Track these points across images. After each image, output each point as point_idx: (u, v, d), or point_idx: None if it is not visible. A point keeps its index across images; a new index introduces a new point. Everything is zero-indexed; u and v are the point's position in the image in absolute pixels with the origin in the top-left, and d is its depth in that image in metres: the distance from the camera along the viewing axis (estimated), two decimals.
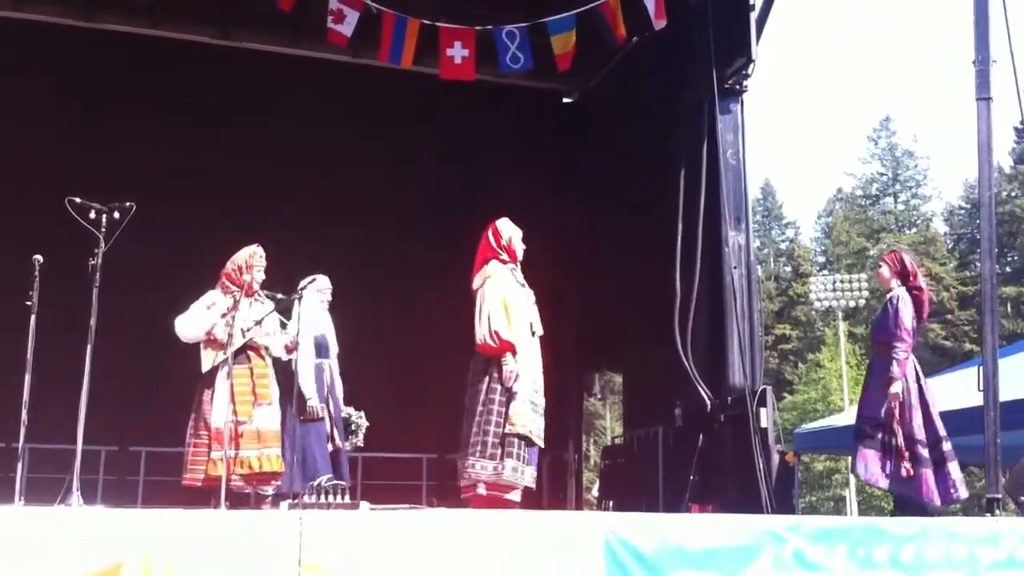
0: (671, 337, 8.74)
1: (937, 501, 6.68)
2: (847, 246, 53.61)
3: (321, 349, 6.92)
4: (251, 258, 6.63)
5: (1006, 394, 6.77)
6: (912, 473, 6.57)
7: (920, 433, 6.71)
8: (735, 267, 8.54)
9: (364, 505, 5.39)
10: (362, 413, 7.37)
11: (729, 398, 8.35)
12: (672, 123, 9.40)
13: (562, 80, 11.44)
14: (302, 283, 6.53)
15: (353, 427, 7.16)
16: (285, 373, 6.44)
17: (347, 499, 5.26)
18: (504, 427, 6.14)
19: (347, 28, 8.15)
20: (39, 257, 5.46)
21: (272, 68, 10.53)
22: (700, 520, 5.69)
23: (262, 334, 6.52)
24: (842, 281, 36.95)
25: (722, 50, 8.80)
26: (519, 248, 6.57)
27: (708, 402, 8.50)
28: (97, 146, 9.82)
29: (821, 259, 56.30)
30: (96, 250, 5.48)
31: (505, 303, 6.24)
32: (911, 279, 6.98)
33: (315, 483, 5.40)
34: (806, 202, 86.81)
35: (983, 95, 6.72)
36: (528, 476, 6.20)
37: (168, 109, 10.25)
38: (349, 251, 10.45)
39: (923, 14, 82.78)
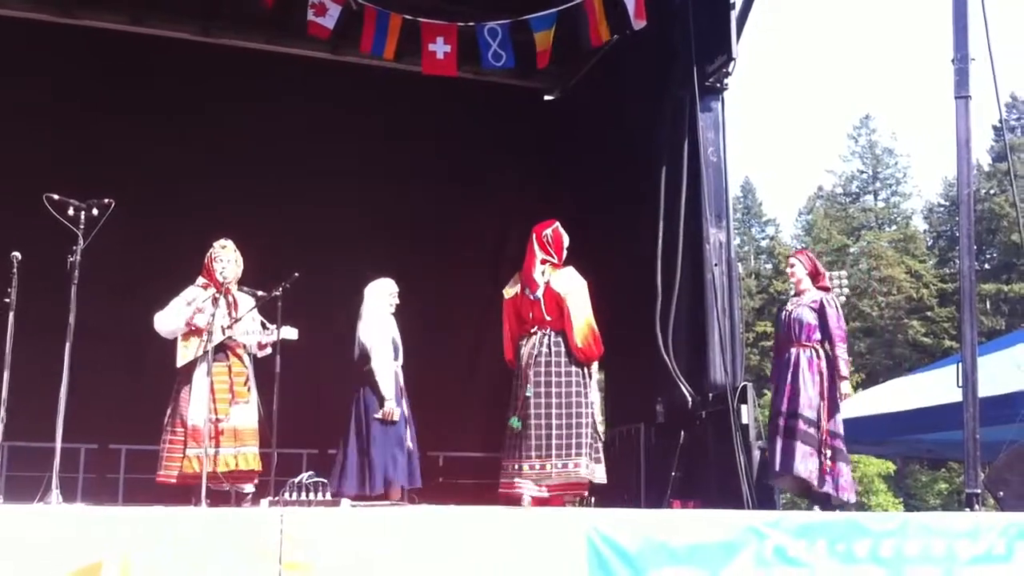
0: (652, 334, 8.75)
1: (853, 497, 6.84)
2: (828, 243, 53.78)
3: (395, 352, 7.00)
4: (212, 251, 6.63)
5: (985, 390, 6.83)
6: (833, 469, 6.70)
7: (841, 429, 6.87)
8: (716, 264, 8.56)
9: (345, 502, 5.39)
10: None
11: (710, 395, 8.37)
12: (653, 121, 9.40)
13: (544, 78, 11.44)
14: (379, 288, 7.06)
15: None
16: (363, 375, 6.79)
17: (328, 496, 5.26)
18: (597, 431, 6.71)
19: (329, 21, 8.13)
20: (17, 254, 5.45)
21: (254, 66, 10.46)
22: (682, 516, 5.71)
23: (241, 332, 6.50)
24: None
25: (703, 48, 8.81)
26: (565, 251, 6.98)
27: (689, 399, 8.52)
28: (76, 143, 9.73)
29: None
30: (75, 247, 5.45)
31: (590, 310, 6.72)
32: (821, 279, 7.22)
33: (296, 480, 5.39)
34: (786, 200, 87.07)
35: (962, 93, 6.77)
36: None
37: (149, 106, 10.17)
38: (334, 250, 10.41)
39: (903, 13, 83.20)
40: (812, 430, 6.74)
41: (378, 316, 7.02)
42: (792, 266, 7.30)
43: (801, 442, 6.73)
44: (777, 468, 6.86)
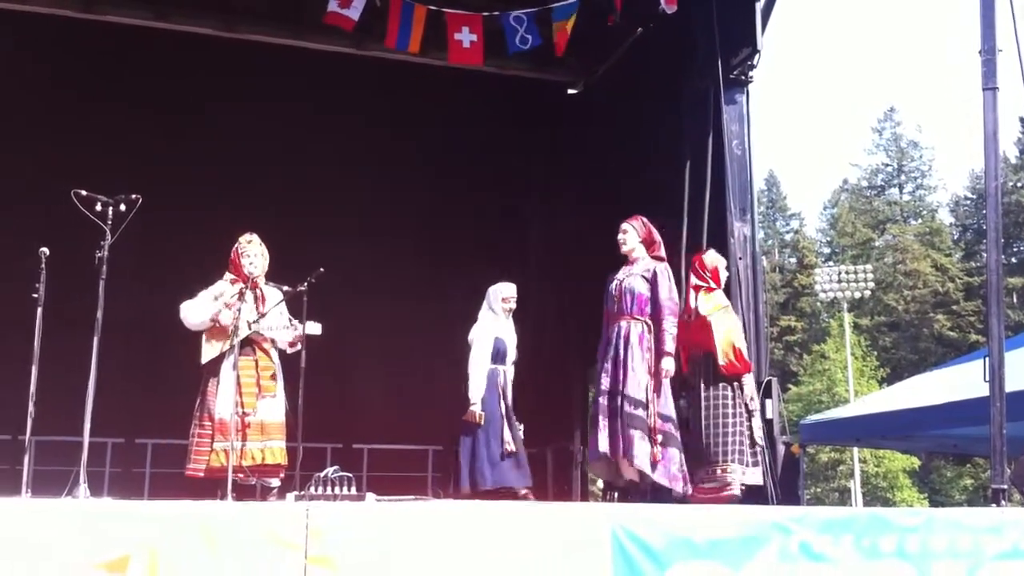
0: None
1: (679, 488, 6.49)
2: (852, 237, 53.58)
3: (498, 355, 7.22)
4: (238, 246, 6.65)
5: (1012, 385, 6.74)
6: (664, 455, 6.42)
7: (671, 411, 6.59)
8: (740, 258, 8.52)
9: (370, 496, 5.40)
10: (521, 426, 7.63)
11: None
12: (677, 114, 9.37)
13: (567, 71, 11.41)
14: (492, 291, 7.38)
15: None
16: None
17: (354, 491, 5.27)
18: (754, 437, 6.96)
19: (354, 13, 8.13)
20: (45, 250, 5.47)
21: (276, 60, 10.49)
22: (706, 512, 5.69)
23: (267, 327, 6.52)
24: (847, 272, 36.93)
25: (727, 40, 8.77)
26: (723, 276, 7.36)
27: None
28: (103, 139, 9.81)
29: (826, 250, 56.31)
30: (102, 242, 5.49)
31: (736, 328, 7.10)
32: (655, 248, 6.90)
33: (322, 474, 5.41)
34: (811, 193, 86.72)
35: (989, 85, 6.68)
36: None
37: (171, 101, 10.23)
38: (356, 245, 10.47)
39: (928, 4, 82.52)
40: (640, 412, 6.40)
41: (480, 318, 7.39)
42: (624, 232, 6.91)
43: (629, 426, 6.37)
44: (602, 451, 6.50)
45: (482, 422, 6.98)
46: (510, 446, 7.05)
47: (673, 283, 6.73)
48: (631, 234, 6.92)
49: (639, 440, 6.40)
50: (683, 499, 6.52)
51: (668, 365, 6.51)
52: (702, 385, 6.97)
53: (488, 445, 6.99)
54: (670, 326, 6.55)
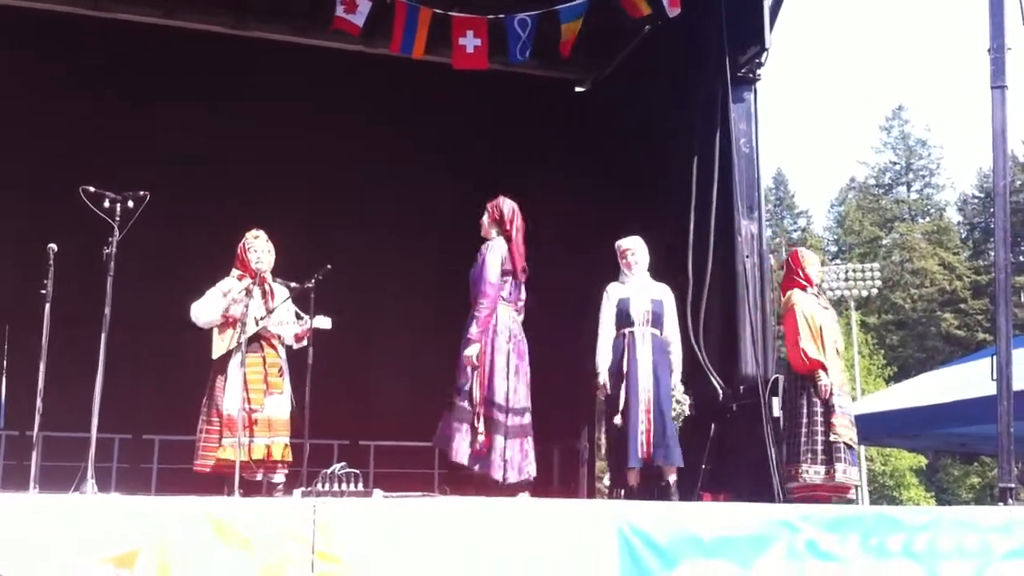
0: (683, 326, 8.71)
1: (510, 477, 6.14)
2: (860, 235, 53.52)
3: (623, 317, 6.76)
4: (245, 242, 6.67)
5: (1020, 383, 6.74)
6: (486, 445, 6.06)
7: (501, 399, 6.17)
8: (747, 256, 8.50)
9: (377, 493, 5.40)
10: (687, 397, 7.38)
11: (741, 387, 8.32)
12: (685, 112, 9.35)
13: (575, 69, 11.39)
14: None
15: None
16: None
17: (361, 487, 5.27)
18: (829, 436, 6.91)
19: (359, 18, 8.12)
20: (53, 246, 5.49)
21: (283, 58, 10.48)
22: (713, 509, 5.69)
23: (275, 323, 6.53)
24: (854, 270, 36.82)
25: (735, 38, 8.75)
26: (815, 274, 7.39)
27: (720, 391, 8.47)
28: (110, 135, 9.82)
29: (833, 248, 56.23)
30: (110, 239, 5.50)
31: (809, 326, 7.07)
32: (507, 226, 6.43)
33: (329, 471, 5.41)
34: (818, 191, 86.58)
35: (998, 83, 6.68)
36: (855, 475, 7.08)
37: (181, 98, 10.23)
38: (363, 242, 10.47)
39: (936, 1, 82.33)
40: (465, 403, 6.10)
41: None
42: (482, 217, 6.56)
43: (454, 419, 6.13)
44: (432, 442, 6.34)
45: (605, 393, 6.61)
46: (628, 420, 6.61)
47: (491, 262, 6.24)
48: (485, 216, 6.54)
49: (461, 433, 6.10)
50: (516, 487, 6.17)
51: (467, 350, 6.07)
52: (784, 384, 7.32)
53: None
54: (478, 309, 6.10)
